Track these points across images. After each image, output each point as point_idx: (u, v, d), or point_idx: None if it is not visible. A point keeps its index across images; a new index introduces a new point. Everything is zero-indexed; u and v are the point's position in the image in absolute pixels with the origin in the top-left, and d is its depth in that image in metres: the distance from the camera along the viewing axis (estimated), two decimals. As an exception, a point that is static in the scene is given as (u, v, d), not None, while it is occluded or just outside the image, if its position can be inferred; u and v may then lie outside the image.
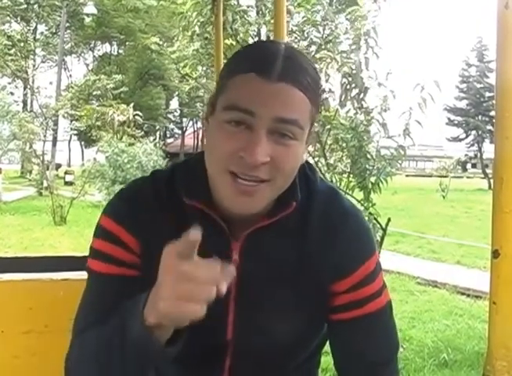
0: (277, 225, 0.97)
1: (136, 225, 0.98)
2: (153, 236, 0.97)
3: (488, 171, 28.95)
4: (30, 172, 20.08)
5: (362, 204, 4.22)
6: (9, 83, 31.01)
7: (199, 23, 7.06)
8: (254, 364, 1.02)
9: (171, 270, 0.77)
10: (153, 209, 0.99)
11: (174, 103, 41.68)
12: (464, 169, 46.53)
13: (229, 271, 0.78)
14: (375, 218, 4.26)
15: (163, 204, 0.99)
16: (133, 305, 0.84)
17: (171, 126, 44.87)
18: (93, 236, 1.02)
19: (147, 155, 14.54)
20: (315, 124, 0.97)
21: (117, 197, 1.04)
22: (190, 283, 0.75)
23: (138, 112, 17.74)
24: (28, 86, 29.04)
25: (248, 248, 0.98)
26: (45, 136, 21.22)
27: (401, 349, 4.24)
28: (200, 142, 37.08)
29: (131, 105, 17.93)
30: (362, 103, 4.44)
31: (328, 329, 1.08)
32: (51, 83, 32.46)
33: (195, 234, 0.75)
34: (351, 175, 4.49)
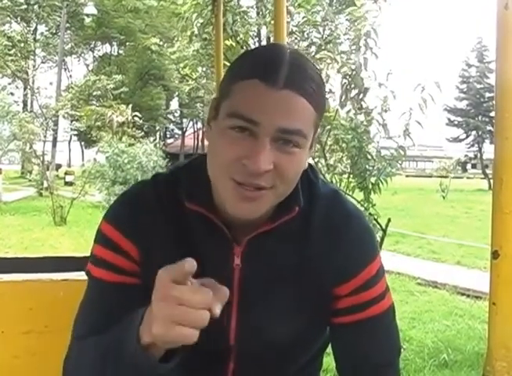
0: (279, 230, 0.97)
1: (136, 231, 0.98)
2: (154, 240, 0.97)
3: (488, 171, 28.94)
4: (31, 173, 20.10)
5: (362, 205, 4.22)
6: (9, 83, 31.11)
7: (198, 25, 7.06)
8: (256, 367, 1.02)
9: (164, 294, 0.77)
10: (155, 212, 0.98)
11: (174, 104, 41.74)
12: (464, 170, 46.55)
13: (223, 293, 0.78)
14: (375, 219, 4.27)
15: (164, 208, 0.99)
16: (130, 322, 0.84)
17: (171, 127, 44.91)
18: (94, 241, 1.01)
19: (147, 155, 14.55)
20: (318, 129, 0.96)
21: (117, 202, 1.03)
22: (182, 308, 0.75)
23: (136, 113, 17.74)
24: (28, 86, 28.99)
25: (250, 253, 0.97)
26: (45, 137, 21.20)
27: (401, 350, 4.23)
28: (200, 143, 37.10)
29: (130, 106, 17.93)
30: (362, 103, 4.44)
31: (330, 332, 1.07)
32: (51, 83, 32.55)
33: (190, 265, 0.75)
34: (352, 176, 4.49)
